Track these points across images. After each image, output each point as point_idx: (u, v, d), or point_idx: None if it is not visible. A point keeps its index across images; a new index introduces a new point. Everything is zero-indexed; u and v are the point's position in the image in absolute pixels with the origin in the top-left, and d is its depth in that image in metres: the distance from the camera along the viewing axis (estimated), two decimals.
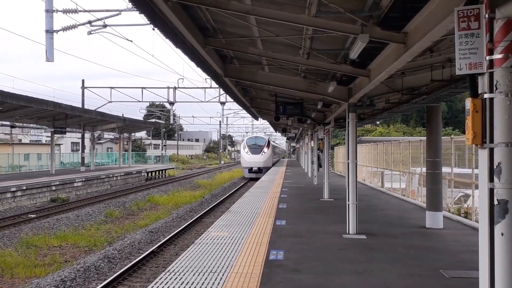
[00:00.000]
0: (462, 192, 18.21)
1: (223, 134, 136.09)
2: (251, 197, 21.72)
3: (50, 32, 15.96)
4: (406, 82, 13.63)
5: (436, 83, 12.53)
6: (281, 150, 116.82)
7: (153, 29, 8.96)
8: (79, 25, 16.66)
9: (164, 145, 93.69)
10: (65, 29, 16.47)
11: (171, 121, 70.82)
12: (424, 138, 15.71)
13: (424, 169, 17.02)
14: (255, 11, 8.60)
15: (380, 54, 10.02)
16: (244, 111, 34.84)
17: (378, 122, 57.52)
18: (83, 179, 36.07)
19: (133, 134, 63.96)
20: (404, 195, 22.76)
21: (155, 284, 7.88)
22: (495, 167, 4.49)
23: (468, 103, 4.66)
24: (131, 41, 18.61)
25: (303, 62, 11.94)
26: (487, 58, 4.56)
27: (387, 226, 14.09)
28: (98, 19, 16.74)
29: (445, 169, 15.91)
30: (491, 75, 4.53)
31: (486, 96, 4.56)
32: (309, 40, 10.57)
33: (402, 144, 23.86)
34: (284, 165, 64.40)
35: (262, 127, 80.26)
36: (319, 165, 33.33)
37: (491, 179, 4.51)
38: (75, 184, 34.66)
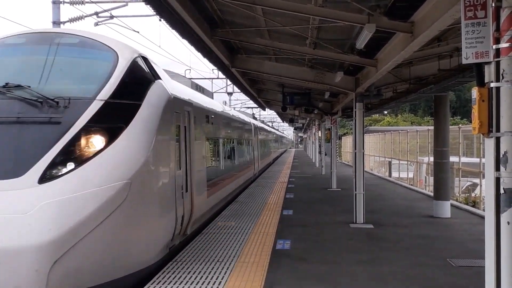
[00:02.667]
0: (470, 181, 18.19)
1: None
2: (258, 187, 21.74)
3: (57, 23, 15.97)
4: (413, 72, 13.59)
5: (443, 73, 12.49)
6: (288, 140, 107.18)
7: (160, 20, 8.94)
8: (85, 16, 16.67)
9: None
10: (72, 20, 16.48)
11: None
12: (432, 127, 15.67)
13: (431, 159, 16.99)
14: (261, 1, 8.57)
15: (387, 43, 9.98)
16: (251, 102, 34.51)
17: (385, 112, 57.49)
18: None
19: None
20: (411, 185, 22.74)
21: (162, 274, 7.92)
22: (501, 156, 4.48)
23: (475, 92, 4.65)
24: (138, 32, 18.59)
25: (309, 52, 11.91)
26: (494, 47, 4.54)
27: (395, 216, 14.09)
28: (105, 10, 16.72)
29: (452, 159, 15.87)
30: (497, 64, 4.51)
31: (492, 85, 4.55)
32: (315, 30, 10.53)
33: (410, 134, 23.83)
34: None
35: (270, 118, 79.87)
36: (325, 154, 33.94)
37: (497, 168, 4.51)
38: None
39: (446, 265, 8.76)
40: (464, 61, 4.83)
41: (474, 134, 5.94)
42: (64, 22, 16.57)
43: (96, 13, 16.93)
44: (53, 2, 16.28)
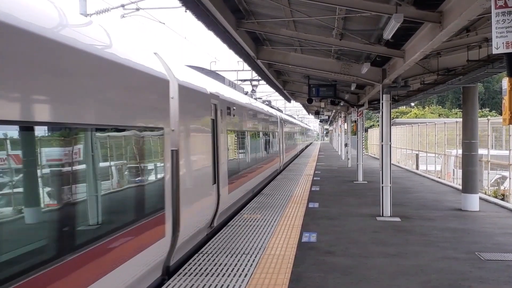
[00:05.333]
0: (499, 174, 17.94)
1: None
2: (283, 179, 21.71)
3: (83, 15, 16.11)
4: (441, 63, 13.39)
5: (472, 63, 12.28)
6: (313, 133, 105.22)
7: (186, 11, 8.94)
8: (112, 8, 16.77)
9: None
10: (98, 12, 16.61)
11: None
12: (460, 119, 15.46)
13: (460, 151, 16.78)
14: None
15: (415, 34, 9.84)
16: (277, 93, 34.33)
17: (413, 104, 56.92)
18: None
19: None
20: (439, 177, 22.50)
21: (188, 266, 7.95)
22: None
23: (505, 82, 4.55)
24: (164, 23, 18.70)
25: (336, 43, 11.80)
26: None
27: (422, 209, 13.94)
28: (131, 2, 16.82)
29: (481, 151, 15.65)
30: None
31: None
32: (342, 21, 10.43)
33: (438, 126, 23.56)
34: None
35: (295, 110, 79.63)
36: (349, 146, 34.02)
37: None
38: None
39: (474, 258, 8.63)
40: (494, 51, 4.72)
41: (504, 126, 5.81)
42: (90, 15, 16.69)
43: (122, 5, 17.01)
44: None
